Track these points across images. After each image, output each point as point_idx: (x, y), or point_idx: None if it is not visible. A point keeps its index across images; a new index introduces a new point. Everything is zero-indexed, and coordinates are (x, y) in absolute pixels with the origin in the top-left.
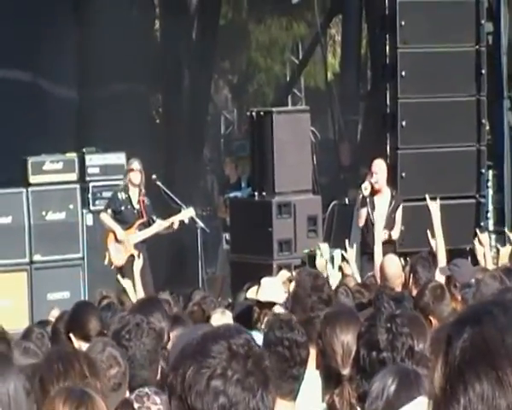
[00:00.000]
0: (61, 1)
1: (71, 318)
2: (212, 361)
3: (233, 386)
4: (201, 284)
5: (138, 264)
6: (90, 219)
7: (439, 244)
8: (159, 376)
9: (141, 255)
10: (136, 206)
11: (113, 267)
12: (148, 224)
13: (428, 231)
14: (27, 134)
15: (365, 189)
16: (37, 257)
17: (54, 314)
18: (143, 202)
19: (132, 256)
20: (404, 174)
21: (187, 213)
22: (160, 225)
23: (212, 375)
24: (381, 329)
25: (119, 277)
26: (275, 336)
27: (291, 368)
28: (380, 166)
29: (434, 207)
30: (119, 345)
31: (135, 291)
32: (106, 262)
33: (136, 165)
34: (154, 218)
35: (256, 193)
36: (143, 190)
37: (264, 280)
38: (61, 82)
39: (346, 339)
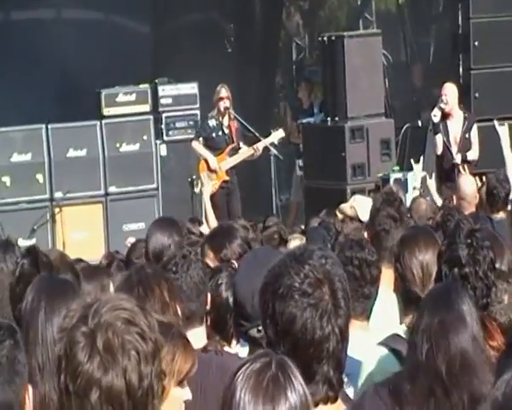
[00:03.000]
0: None
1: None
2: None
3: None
4: (275, 211)
5: (207, 189)
6: (163, 150)
7: (509, 168)
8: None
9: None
10: (226, 131)
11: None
12: (238, 148)
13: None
14: (100, 67)
15: (434, 116)
16: (112, 189)
17: (130, 241)
18: (233, 126)
19: (224, 182)
20: (477, 95)
21: (277, 135)
22: (248, 150)
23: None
24: (461, 245)
25: (207, 205)
26: (345, 256)
27: (362, 287)
28: (449, 90)
29: (503, 130)
30: None
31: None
32: (197, 190)
33: (223, 92)
34: (241, 144)
35: (329, 118)
36: (233, 114)
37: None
38: (133, 15)
39: (425, 260)
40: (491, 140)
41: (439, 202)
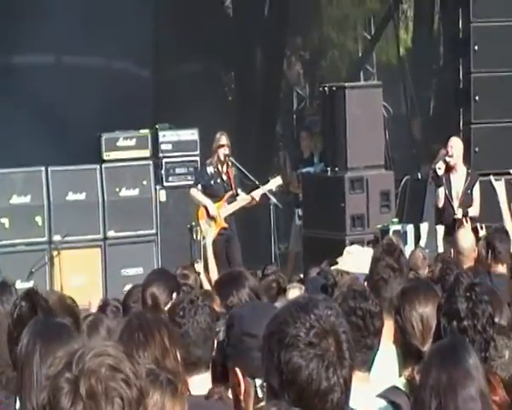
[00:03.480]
0: None
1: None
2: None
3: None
4: (274, 260)
5: (210, 236)
6: (163, 196)
7: (507, 223)
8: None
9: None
10: (225, 178)
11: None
12: (236, 195)
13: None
14: (102, 111)
15: (439, 168)
16: (110, 233)
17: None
18: (231, 173)
19: (224, 229)
20: (477, 149)
21: (275, 182)
22: (246, 198)
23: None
24: (460, 298)
25: (209, 252)
26: (348, 306)
27: (365, 338)
28: (455, 144)
29: (499, 186)
30: (173, 322)
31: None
32: (198, 237)
33: (223, 139)
34: (239, 191)
35: (329, 168)
36: (230, 163)
37: (352, 249)
38: (135, 61)
39: (425, 314)
40: (489, 194)
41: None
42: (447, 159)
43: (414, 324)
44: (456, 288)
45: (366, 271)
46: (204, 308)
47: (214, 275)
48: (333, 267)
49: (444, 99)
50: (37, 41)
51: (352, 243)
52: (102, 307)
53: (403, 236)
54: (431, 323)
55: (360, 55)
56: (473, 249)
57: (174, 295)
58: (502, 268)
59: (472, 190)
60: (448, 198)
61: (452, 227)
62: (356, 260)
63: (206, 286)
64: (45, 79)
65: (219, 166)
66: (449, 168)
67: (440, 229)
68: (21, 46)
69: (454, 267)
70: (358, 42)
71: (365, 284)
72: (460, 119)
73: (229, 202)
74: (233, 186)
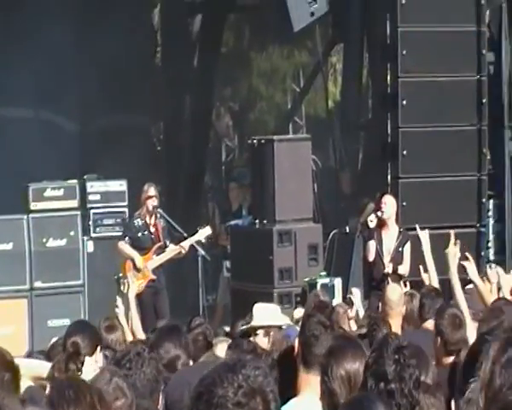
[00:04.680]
0: (60, 32)
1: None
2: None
3: None
4: (202, 312)
5: (132, 289)
6: (90, 246)
7: (431, 273)
8: (160, 405)
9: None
10: (152, 230)
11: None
12: (165, 247)
13: (421, 266)
14: (29, 162)
15: (371, 221)
16: (37, 284)
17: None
18: (159, 225)
19: (151, 281)
20: (404, 203)
21: (204, 233)
22: (175, 249)
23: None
24: (388, 360)
25: (131, 305)
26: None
27: None
28: (389, 201)
29: (424, 236)
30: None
31: (128, 318)
32: (124, 290)
33: (152, 191)
34: (167, 242)
35: (257, 221)
36: (158, 214)
37: (259, 307)
38: (63, 112)
39: (352, 372)
40: (416, 249)
41: (362, 312)
42: (379, 213)
43: (341, 383)
44: (384, 349)
45: (280, 321)
46: (151, 361)
47: (138, 329)
48: (246, 326)
49: (372, 153)
50: None
51: (280, 296)
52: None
53: (330, 289)
54: (358, 382)
55: (289, 107)
56: (401, 304)
57: (98, 348)
58: (429, 324)
59: (403, 249)
60: (379, 253)
61: (381, 281)
62: (268, 313)
63: (127, 333)
64: None
65: (147, 218)
66: (381, 224)
67: (356, 291)
68: None
69: (381, 323)
70: (287, 94)
71: (296, 340)
72: (388, 172)
73: (158, 254)
74: (161, 238)
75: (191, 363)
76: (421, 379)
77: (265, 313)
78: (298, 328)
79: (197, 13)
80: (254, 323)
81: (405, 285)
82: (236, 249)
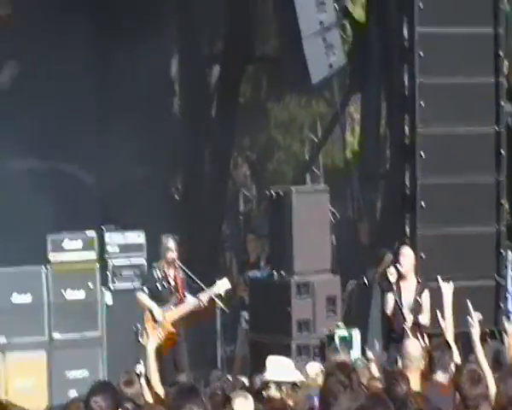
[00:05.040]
0: (83, 93)
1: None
2: None
3: None
4: (220, 363)
5: (151, 342)
6: (109, 299)
7: (448, 326)
8: None
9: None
10: (172, 282)
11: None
12: (184, 299)
13: (439, 313)
14: (48, 213)
15: (391, 274)
16: (56, 335)
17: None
18: (179, 277)
19: (171, 334)
20: (423, 255)
21: (222, 286)
22: (194, 302)
23: None
24: None
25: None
26: None
27: None
28: (407, 253)
29: (447, 288)
30: None
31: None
32: (143, 341)
33: (170, 243)
34: (186, 295)
35: (275, 272)
36: (178, 266)
37: (272, 360)
38: (82, 164)
39: None
40: (435, 300)
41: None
42: (399, 267)
43: None
44: None
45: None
46: None
47: (157, 384)
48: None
49: (390, 203)
50: None
51: (298, 348)
52: None
53: (348, 341)
54: None
55: (307, 157)
56: (420, 359)
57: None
58: (438, 377)
59: (422, 299)
60: (398, 306)
61: (401, 334)
62: (281, 367)
63: (148, 395)
64: None
65: (166, 270)
66: (399, 277)
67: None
68: None
69: (400, 378)
70: (305, 144)
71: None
72: (406, 224)
73: (177, 306)
74: (180, 290)
75: None
76: None
77: (278, 367)
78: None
79: (215, 63)
80: (267, 377)
81: (423, 337)
82: (254, 301)
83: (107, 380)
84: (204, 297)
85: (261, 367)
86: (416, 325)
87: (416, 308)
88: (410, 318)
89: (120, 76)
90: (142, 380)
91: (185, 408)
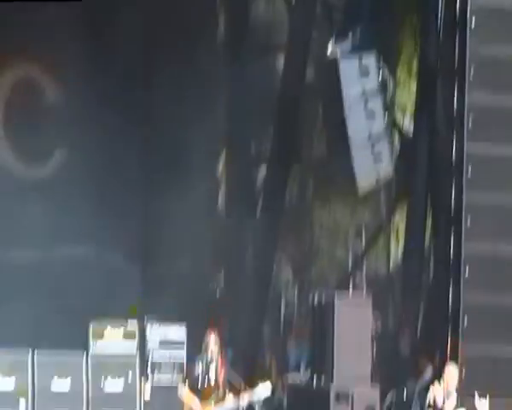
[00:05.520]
0: (130, 182)
1: None
2: None
3: None
4: None
5: None
6: (147, 393)
7: None
8: None
9: None
10: (213, 377)
11: None
12: (225, 395)
13: None
14: (91, 300)
15: (435, 395)
16: None
17: None
18: (221, 373)
19: None
20: (464, 369)
21: (264, 390)
22: (234, 402)
23: None
24: None
25: None
26: None
27: None
28: (451, 376)
29: (482, 405)
30: None
31: None
32: None
33: (213, 338)
34: (227, 392)
35: (315, 377)
36: (221, 361)
37: None
38: (126, 253)
39: None
40: None
41: None
42: (443, 386)
43: None
44: None
45: None
46: None
47: None
48: None
49: (432, 315)
50: (26, 233)
51: None
52: None
53: None
54: None
55: (350, 265)
56: None
57: None
58: None
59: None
60: None
61: None
62: None
63: None
64: (37, 268)
65: (209, 365)
66: (443, 395)
67: None
68: (9, 239)
69: None
70: (349, 251)
71: None
72: (448, 339)
73: (217, 403)
74: (221, 387)
75: None
76: None
77: None
78: None
79: (262, 162)
80: None
81: None
82: (293, 405)
83: None
84: (245, 400)
85: None
86: None
87: None
88: None
89: (168, 181)
90: None
91: None
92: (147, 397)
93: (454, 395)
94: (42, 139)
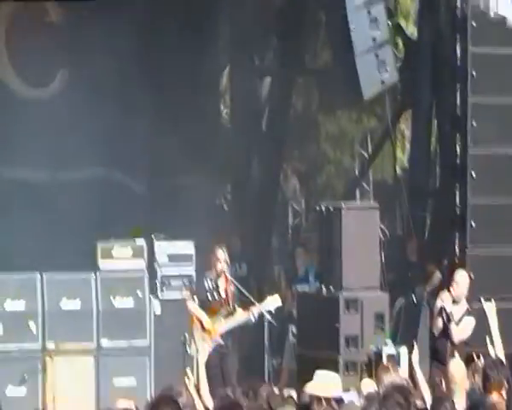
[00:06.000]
0: (134, 102)
1: None
2: None
3: None
4: (267, 375)
5: (202, 355)
6: (157, 308)
7: (496, 347)
8: None
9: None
10: (223, 293)
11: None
12: (234, 311)
13: (487, 338)
14: (98, 220)
15: (442, 301)
16: (104, 342)
17: (119, 405)
18: (229, 289)
19: (219, 345)
20: (472, 275)
21: (273, 302)
22: (244, 315)
23: None
24: None
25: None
26: None
27: None
28: (461, 281)
29: (489, 308)
30: None
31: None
32: (191, 351)
33: (220, 254)
34: (236, 307)
35: (323, 287)
36: (229, 278)
37: (318, 374)
38: (132, 173)
39: None
40: (483, 321)
41: (427, 392)
42: (452, 291)
43: None
44: None
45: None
46: None
47: (206, 395)
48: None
49: (440, 221)
50: (32, 155)
51: (346, 364)
52: None
53: (396, 358)
54: None
55: (357, 172)
56: (465, 380)
57: None
58: (496, 397)
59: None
60: (446, 326)
61: (445, 355)
62: (322, 383)
63: (198, 404)
64: (44, 189)
65: (217, 281)
66: (452, 300)
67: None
68: (15, 161)
69: (445, 399)
70: (355, 159)
71: None
72: (455, 243)
73: (226, 318)
74: (230, 302)
75: None
76: None
77: (322, 382)
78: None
79: (266, 75)
80: (307, 390)
81: (478, 358)
82: (302, 315)
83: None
84: (255, 313)
85: (308, 381)
86: (461, 344)
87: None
88: (457, 339)
89: (172, 87)
90: (192, 389)
91: None
92: (157, 312)
93: (463, 301)
94: (45, 60)
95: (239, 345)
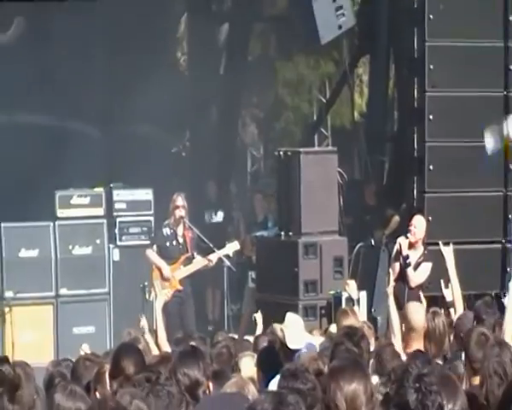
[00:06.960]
0: (91, 49)
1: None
2: None
3: None
4: (226, 321)
5: (160, 300)
6: (116, 255)
7: (454, 289)
8: None
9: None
10: (181, 240)
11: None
12: (192, 258)
13: (442, 281)
14: (56, 170)
15: (399, 244)
16: (63, 291)
17: (84, 349)
18: (188, 235)
19: (178, 291)
20: (430, 218)
21: (232, 247)
22: (203, 261)
23: None
24: (409, 390)
25: (158, 315)
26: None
27: None
28: (418, 223)
29: (448, 252)
30: None
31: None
32: (150, 298)
33: (179, 200)
34: (195, 254)
35: (282, 233)
36: (187, 224)
37: (290, 322)
38: (90, 121)
39: (349, 393)
40: (441, 264)
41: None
42: (409, 236)
43: (338, 403)
44: (404, 379)
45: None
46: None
47: (163, 340)
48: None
49: (398, 165)
50: None
51: (305, 309)
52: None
53: (356, 302)
54: (356, 402)
55: (315, 117)
56: (424, 325)
57: None
58: None
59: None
60: (403, 270)
61: (402, 300)
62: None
63: (154, 349)
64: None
65: (176, 228)
66: (409, 245)
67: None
68: None
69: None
70: (313, 105)
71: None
72: (414, 187)
73: (185, 265)
74: (189, 249)
75: (211, 385)
76: (449, 407)
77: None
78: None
79: (224, 22)
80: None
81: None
82: (262, 261)
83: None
84: (213, 258)
85: (267, 327)
86: (416, 288)
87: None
88: (414, 282)
89: (129, 34)
90: (148, 336)
91: (184, 372)
92: (115, 259)
93: (420, 245)
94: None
95: (198, 291)
